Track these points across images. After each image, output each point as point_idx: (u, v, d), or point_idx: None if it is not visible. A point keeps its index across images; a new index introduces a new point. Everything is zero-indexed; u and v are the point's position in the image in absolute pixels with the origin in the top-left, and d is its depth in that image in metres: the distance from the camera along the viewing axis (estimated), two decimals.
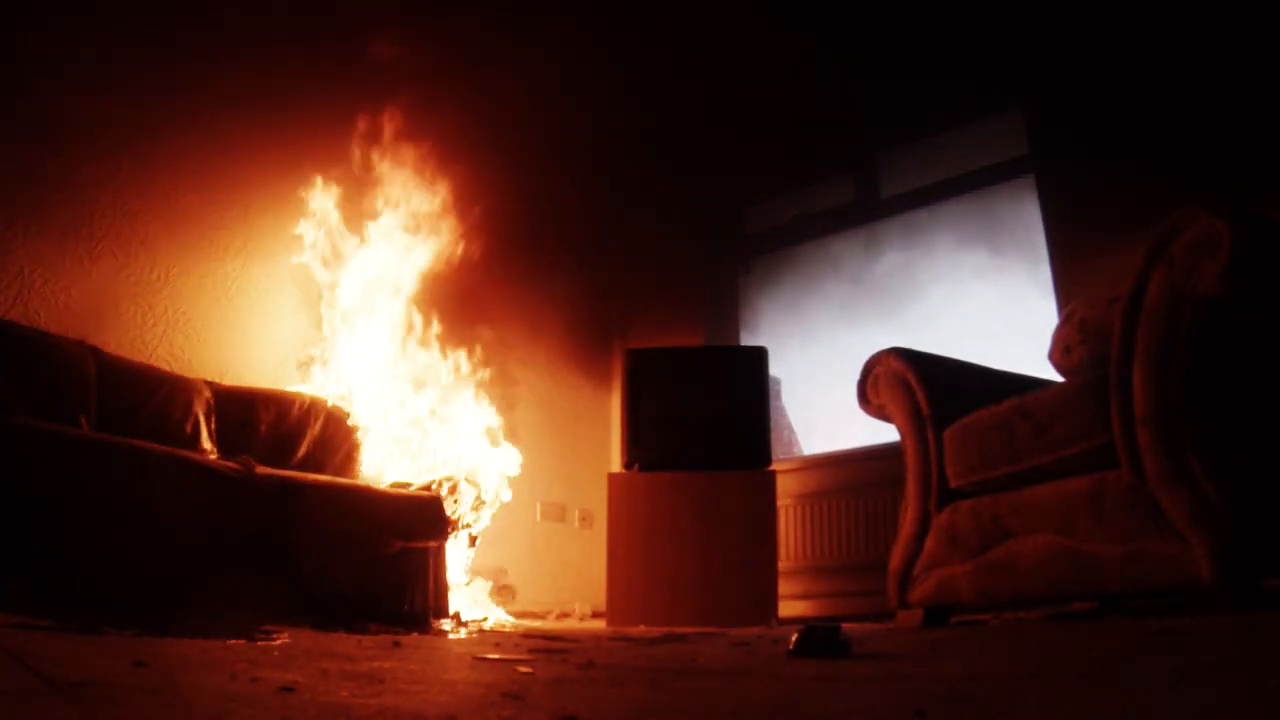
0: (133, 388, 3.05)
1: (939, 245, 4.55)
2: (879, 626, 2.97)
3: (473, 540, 3.77)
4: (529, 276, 4.74)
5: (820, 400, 4.76)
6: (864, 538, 4.08)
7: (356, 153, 4.03)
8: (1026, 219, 4.13)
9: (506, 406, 4.39)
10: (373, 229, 4.03)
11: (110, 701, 0.98)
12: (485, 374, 4.25)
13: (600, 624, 3.77)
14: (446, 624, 3.04)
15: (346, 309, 3.92)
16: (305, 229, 3.90)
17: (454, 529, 3.52)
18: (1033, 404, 2.41)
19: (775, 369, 4.28)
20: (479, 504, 3.76)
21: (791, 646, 1.67)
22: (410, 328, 4.04)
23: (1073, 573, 2.26)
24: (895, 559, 2.80)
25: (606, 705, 1.07)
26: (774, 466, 3.84)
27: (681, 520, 3.71)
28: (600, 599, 3.83)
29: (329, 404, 3.65)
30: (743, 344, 5.07)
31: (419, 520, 3.09)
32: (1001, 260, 4.30)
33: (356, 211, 4.03)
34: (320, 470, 3.41)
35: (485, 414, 4.16)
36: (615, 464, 4.33)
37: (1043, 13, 3.91)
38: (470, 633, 2.85)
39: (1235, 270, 1.95)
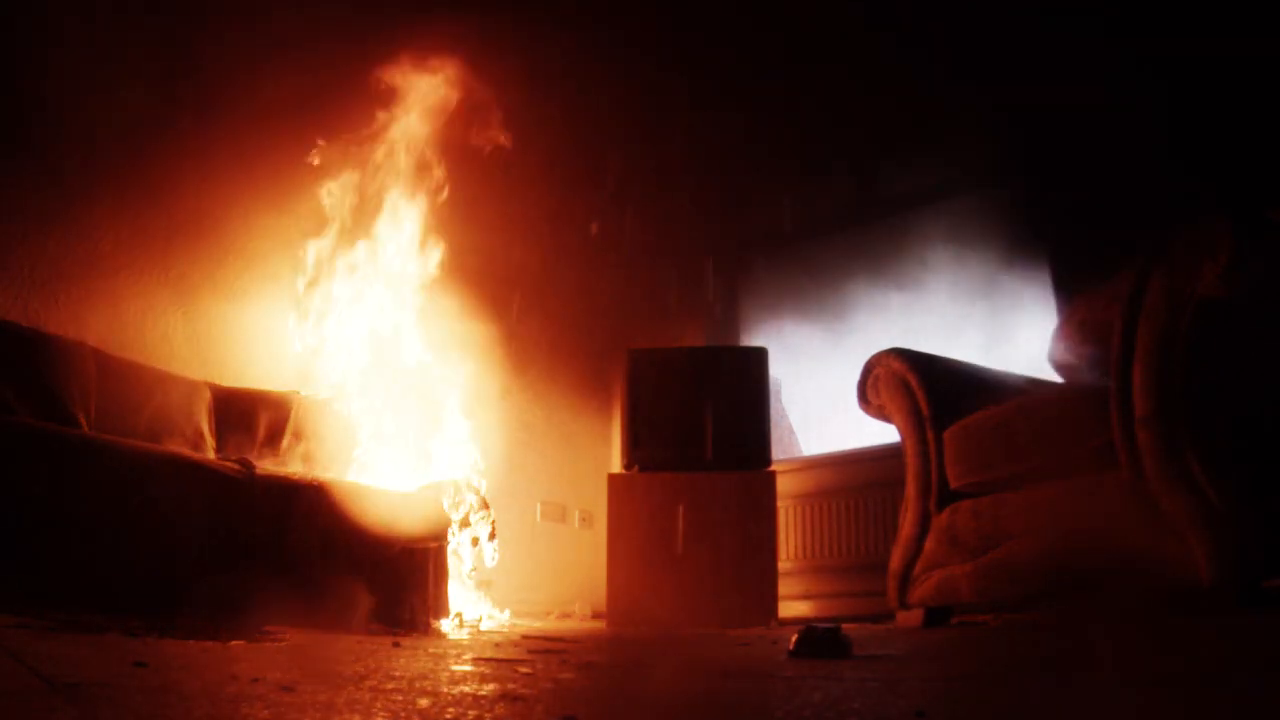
0: (133, 388, 3.05)
1: (939, 245, 4.54)
2: (879, 627, 2.97)
3: (474, 541, 3.76)
4: (529, 277, 4.73)
5: (820, 400, 4.76)
6: (864, 538, 4.08)
7: (361, 153, 4.02)
8: (1026, 219, 4.13)
9: (506, 408, 4.39)
10: (376, 230, 4.02)
11: (110, 701, 0.98)
12: (486, 375, 4.24)
13: (600, 624, 3.77)
14: (446, 624, 3.04)
15: (348, 309, 3.91)
16: (307, 228, 3.89)
17: (454, 530, 3.52)
18: (1033, 404, 2.42)
19: (775, 369, 4.28)
20: (480, 505, 3.75)
21: (791, 647, 1.67)
22: (411, 328, 4.03)
23: (1072, 573, 2.26)
24: (895, 559, 2.81)
25: (606, 705, 1.07)
26: (774, 467, 3.84)
27: (682, 520, 3.71)
28: (600, 599, 3.83)
29: (330, 405, 3.65)
30: (743, 344, 5.06)
31: (419, 521, 3.09)
32: (1001, 260, 4.29)
33: (360, 211, 4.02)
34: (320, 471, 3.40)
35: (486, 415, 4.15)
36: (615, 464, 4.33)
37: (1043, 15, 3.91)
38: (470, 633, 2.85)
39: (1235, 270, 1.95)
